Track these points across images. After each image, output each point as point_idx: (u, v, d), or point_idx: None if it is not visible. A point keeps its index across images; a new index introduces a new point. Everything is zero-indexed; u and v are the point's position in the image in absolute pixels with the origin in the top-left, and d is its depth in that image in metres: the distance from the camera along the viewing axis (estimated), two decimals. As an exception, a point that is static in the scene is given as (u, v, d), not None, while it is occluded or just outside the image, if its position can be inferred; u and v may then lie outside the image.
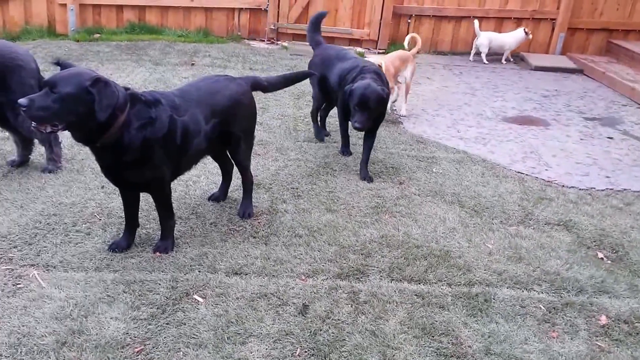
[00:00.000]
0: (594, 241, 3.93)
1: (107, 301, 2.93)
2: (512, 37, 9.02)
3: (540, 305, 3.19)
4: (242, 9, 9.13)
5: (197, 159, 3.55)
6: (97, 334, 2.70)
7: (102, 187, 4.07)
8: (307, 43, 8.99)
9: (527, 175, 4.94)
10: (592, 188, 4.78)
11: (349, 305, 3.06)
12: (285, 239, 3.61)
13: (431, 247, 3.66)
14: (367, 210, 4.09)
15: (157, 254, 3.37)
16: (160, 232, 3.45)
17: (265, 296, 3.07)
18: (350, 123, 4.58)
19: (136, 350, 2.64)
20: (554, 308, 3.18)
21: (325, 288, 3.18)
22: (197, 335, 2.75)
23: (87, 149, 4.50)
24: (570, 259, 3.66)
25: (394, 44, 9.20)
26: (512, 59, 9.28)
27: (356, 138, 5.13)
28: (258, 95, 3.86)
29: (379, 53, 8.72)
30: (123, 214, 3.47)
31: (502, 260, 3.59)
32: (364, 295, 3.15)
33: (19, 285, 3.01)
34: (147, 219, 3.69)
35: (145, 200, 3.61)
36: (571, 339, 2.96)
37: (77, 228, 3.58)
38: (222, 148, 3.78)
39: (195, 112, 3.30)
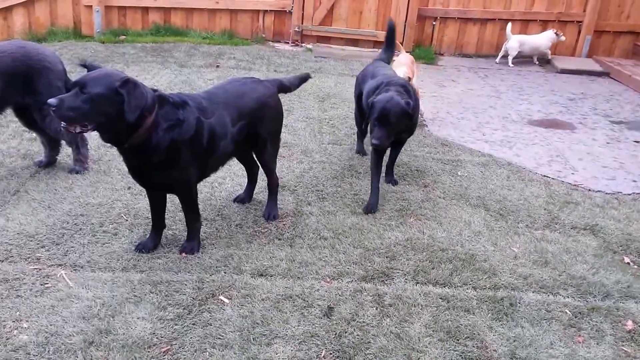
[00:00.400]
0: (621, 246, 3.87)
1: (134, 301, 2.96)
2: (544, 39, 8.90)
3: (566, 310, 3.16)
4: (266, 11, 9.17)
5: (224, 161, 3.56)
6: (124, 334, 2.73)
7: (129, 187, 4.12)
8: (331, 45, 9.17)
9: (553, 179, 4.88)
10: (618, 192, 4.70)
11: (374, 308, 3.05)
12: (310, 241, 3.61)
13: (456, 251, 3.63)
14: (392, 213, 4.08)
15: (184, 254, 3.40)
16: (186, 233, 3.48)
17: (291, 298, 3.08)
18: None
19: (163, 350, 2.66)
20: (580, 313, 3.15)
21: (350, 290, 3.18)
22: (223, 336, 2.77)
23: (113, 150, 4.61)
24: (596, 264, 3.62)
25: (419, 46, 9.17)
26: (537, 62, 9.16)
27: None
28: (282, 98, 3.87)
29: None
30: (149, 214, 3.51)
31: (527, 264, 3.55)
32: (389, 298, 3.14)
33: (46, 285, 3.06)
34: (173, 220, 3.73)
35: (172, 202, 3.64)
36: (597, 344, 2.93)
37: (104, 228, 3.63)
38: (249, 150, 3.80)
39: (222, 114, 3.32)
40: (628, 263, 3.67)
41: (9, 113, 4.29)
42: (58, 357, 2.58)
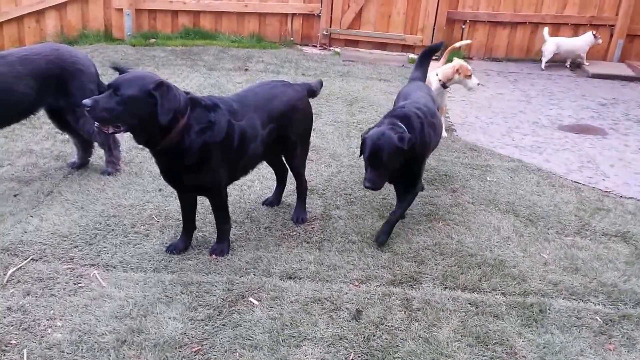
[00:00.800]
0: (653, 254, 3.80)
1: (166, 301, 3.01)
2: (582, 41, 8.75)
3: (597, 317, 3.11)
4: (295, 14, 9.22)
5: (254, 164, 3.60)
6: (155, 333, 2.78)
7: (160, 189, 4.19)
8: (359, 49, 9.18)
9: (583, 185, 4.80)
10: (651, 199, 4.61)
11: (402, 312, 3.04)
12: (338, 245, 3.62)
13: (485, 256, 3.60)
14: (420, 217, 4.07)
15: (213, 256, 3.44)
16: (216, 235, 3.52)
17: (319, 301, 3.09)
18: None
19: (194, 350, 2.70)
20: (611, 320, 3.10)
21: (379, 294, 3.18)
22: (252, 337, 2.79)
23: (144, 153, 4.69)
24: (627, 271, 3.56)
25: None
26: (569, 66, 9.03)
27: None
28: (311, 102, 3.89)
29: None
30: (180, 216, 3.56)
31: (557, 271, 3.51)
32: (417, 302, 3.13)
33: (80, 284, 3.13)
34: (203, 222, 3.77)
35: (202, 204, 3.69)
36: (628, 351, 2.89)
37: (135, 229, 3.69)
38: (278, 153, 3.83)
39: (252, 117, 3.36)
40: (661, 271, 3.60)
41: (42, 115, 4.40)
42: (91, 356, 2.63)
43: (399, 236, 3.78)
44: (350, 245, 3.63)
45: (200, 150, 3.12)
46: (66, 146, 4.90)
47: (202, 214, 3.81)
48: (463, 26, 9.20)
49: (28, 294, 3.01)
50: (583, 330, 3.00)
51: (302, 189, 3.93)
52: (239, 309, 2.99)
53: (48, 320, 2.83)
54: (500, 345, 2.86)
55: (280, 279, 3.27)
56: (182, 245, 3.49)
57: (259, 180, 4.46)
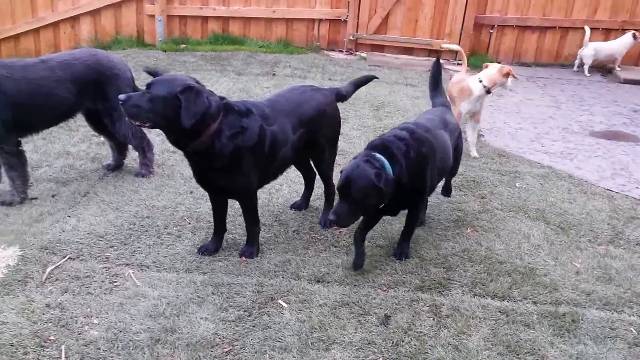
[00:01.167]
0: (690, 264, 3.72)
1: (197, 302, 3.07)
2: (619, 45, 8.60)
3: (631, 329, 3.07)
4: (322, 19, 9.28)
5: (284, 168, 3.65)
6: (188, 333, 2.83)
7: (191, 192, 4.26)
8: (385, 54, 9.18)
9: (616, 192, 4.74)
10: (687, 208, 4.52)
11: (431, 319, 3.04)
12: (366, 250, 3.63)
13: (515, 264, 3.58)
14: (448, 223, 4.06)
15: (243, 258, 3.49)
16: (245, 238, 3.58)
17: (347, 305, 3.11)
18: None
19: (225, 350, 2.74)
20: (647, 332, 3.05)
21: (407, 300, 3.19)
22: (282, 339, 2.83)
23: (176, 156, 4.79)
24: (663, 282, 3.50)
25: (475, 54, 9.06)
26: (599, 71, 8.90)
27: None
28: (338, 106, 3.91)
29: (458, 64, 8.61)
30: (211, 218, 3.62)
31: (590, 280, 3.47)
32: (446, 309, 3.13)
33: (115, 283, 3.21)
34: (233, 225, 3.83)
35: (232, 207, 3.74)
36: (665, 365, 2.84)
37: (168, 230, 3.76)
38: (306, 157, 3.87)
39: (283, 122, 3.40)
40: (697, 282, 3.53)
41: (78, 118, 4.51)
42: (126, 353, 2.70)
43: (427, 242, 3.78)
44: (377, 250, 3.65)
45: (232, 155, 3.18)
46: (101, 148, 5.02)
47: (232, 217, 3.87)
48: (491, 31, 9.15)
49: (66, 292, 3.09)
50: (617, 342, 2.96)
51: (330, 193, 3.96)
52: (268, 311, 3.02)
53: (85, 317, 2.91)
54: (532, 354, 2.84)
55: (309, 282, 3.30)
56: (213, 246, 3.55)
57: (287, 184, 4.50)
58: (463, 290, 3.30)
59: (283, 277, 3.33)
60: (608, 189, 4.78)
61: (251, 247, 3.53)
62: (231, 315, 2.97)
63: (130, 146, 4.60)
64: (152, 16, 8.96)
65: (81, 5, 8.57)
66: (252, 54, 8.62)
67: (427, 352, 2.80)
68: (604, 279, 3.49)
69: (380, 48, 9.37)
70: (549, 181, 4.85)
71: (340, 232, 3.84)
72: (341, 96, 3.92)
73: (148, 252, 3.50)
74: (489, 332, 2.97)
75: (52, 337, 2.76)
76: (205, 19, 9.25)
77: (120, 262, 3.41)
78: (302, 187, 4.20)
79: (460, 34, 8.96)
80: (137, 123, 3.12)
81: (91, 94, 4.15)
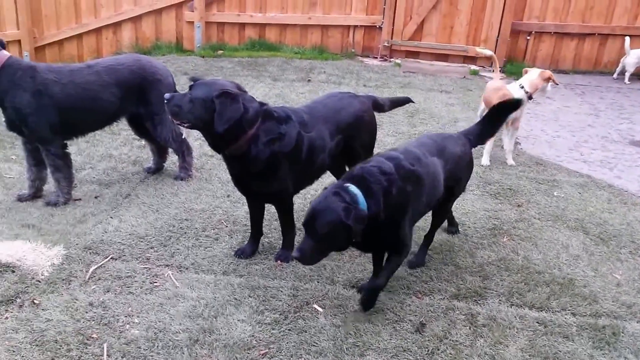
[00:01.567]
0: None
1: (234, 304, 3.12)
2: None
3: (674, 343, 2.99)
4: (357, 26, 9.32)
5: (320, 174, 3.68)
6: (226, 334, 2.88)
7: (228, 195, 4.33)
8: (420, 60, 9.16)
9: (658, 203, 4.63)
10: None
11: (467, 327, 3.03)
12: (401, 256, 3.64)
13: (553, 274, 3.53)
14: (484, 231, 4.03)
15: (279, 262, 3.53)
16: (281, 242, 3.62)
17: (382, 311, 3.12)
18: None
19: (261, 352, 2.78)
20: (690, 347, 2.97)
21: (442, 308, 3.18)
22: (317, 344, 2.85)
23: (214, 160, 4.88)
24: None
25: (511, 61, 8.97)
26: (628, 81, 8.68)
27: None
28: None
29: (493, 72, 8.51)
30: (248, 222, 3.68)
31: (631, 293, 3.40)
32: (482, 318, 3.11)
33: (155, 284, 3.29)
34: (269, 229, 3.88)
35: (268, 211, 3.79)
36: None
37: (206, 233, 3.83)
38: (342, 163, 3.89)
39: (321, 128, 3.44)
40: None
41: (121, 121, 4.63)
42: (166, 353, 2.76)
43: (462, 249, 3.77)
44: (412, 257, 3.65)
45: (268, 160, 3.22)
46: (142, 152, 5.14)
47: (268, 221, 3.92)
48: (528, 37, 9.05)
49: (108, 291, 3.19)
50: (659, 356, 2.90)
51: (366, 200, 3.96)
52: (303, 315, 3.05)
53: (126, 316, 2.99)
54: (570, 366, 2.81)
55: (344, 288, 3.32)
56: (250, 250, 3.60)
57: (321, 189, 4.51)
58: (500, 300, 3.27)
59: (318, 282, 3.36)
60: (650, 200, 4.68)
61: (287, 252, 3.57)
62: (267, 318, 3.02)
63: (170, 150, 4.70)
64: (191, 23, 9.14)
65: (123, 11, 8.80)
66: (287, 60, 8.71)
67: (463, 361, 2.80)
68: (646, 291, 3.42)
69: (414, 54, 9.36)
70: (587, 190, 4.77)
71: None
72: (378, 105, 3.93)
73: (187, 254, 3.58)
74: (526, 342, 2.93)
75: (94, 335, 2.84)
76: (242, 25, 9.39)
77: (160, 263, 3.49)
78: (337, 193, 4.21)
79: (497, 41, 8.87)
80: (177, 122, 3.21)
81: (134, 98, 4.27)
